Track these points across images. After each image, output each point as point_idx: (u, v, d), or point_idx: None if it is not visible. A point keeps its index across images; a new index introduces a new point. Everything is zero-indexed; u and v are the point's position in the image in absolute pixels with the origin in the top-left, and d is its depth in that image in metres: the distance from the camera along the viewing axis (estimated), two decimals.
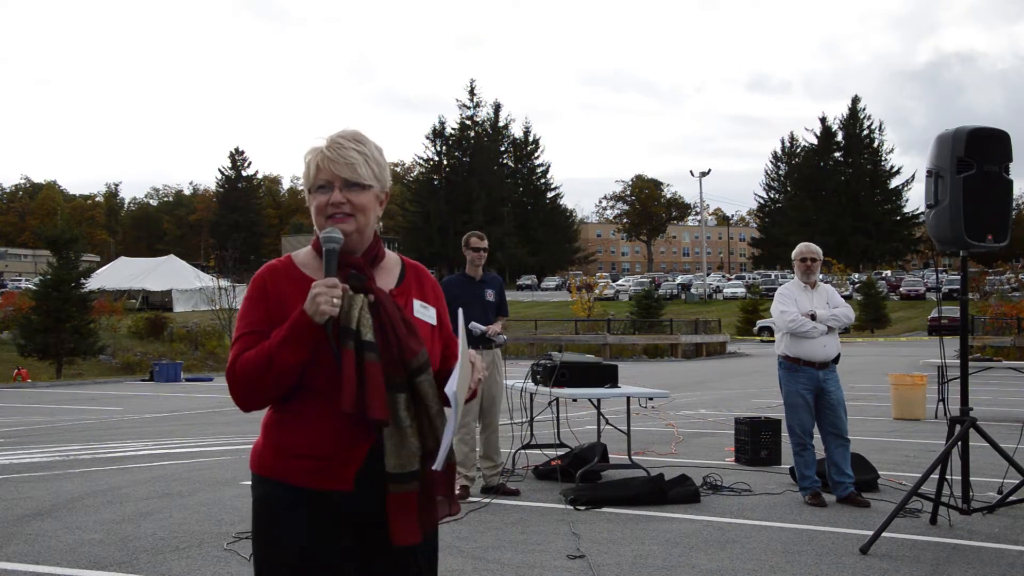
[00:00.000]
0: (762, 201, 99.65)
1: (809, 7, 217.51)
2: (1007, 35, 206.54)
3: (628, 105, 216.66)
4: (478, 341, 7.23)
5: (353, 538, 2.33)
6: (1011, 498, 6.25)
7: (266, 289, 2.33)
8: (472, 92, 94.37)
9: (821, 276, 7.44)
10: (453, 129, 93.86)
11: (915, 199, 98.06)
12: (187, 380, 25.07)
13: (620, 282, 79.68)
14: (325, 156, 2.35)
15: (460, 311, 2.36)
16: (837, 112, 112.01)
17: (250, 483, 2.42)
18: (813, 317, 6.98)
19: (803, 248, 7.32)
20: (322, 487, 2.27)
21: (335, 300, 2.20)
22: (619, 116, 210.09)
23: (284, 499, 2.30)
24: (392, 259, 2.50)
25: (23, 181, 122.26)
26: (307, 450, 2.28)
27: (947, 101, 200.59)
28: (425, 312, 2.43)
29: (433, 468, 2.26)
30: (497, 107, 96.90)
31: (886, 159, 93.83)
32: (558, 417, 8.97)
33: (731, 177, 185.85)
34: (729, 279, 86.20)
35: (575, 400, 9.24)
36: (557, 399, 8.64)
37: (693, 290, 73.53)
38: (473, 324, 7.21)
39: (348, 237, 2.33)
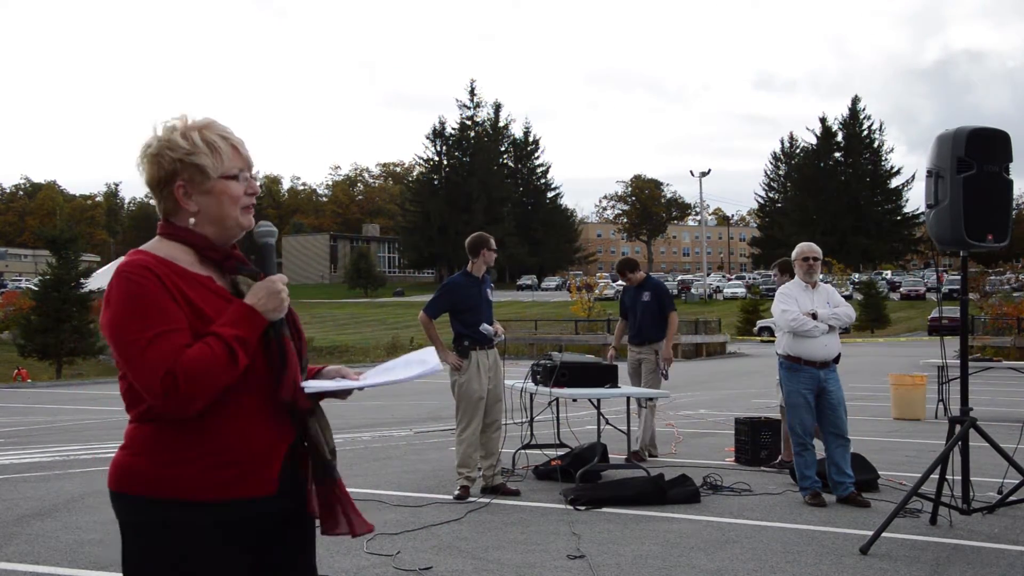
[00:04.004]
0: (762, 201, 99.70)
1: (817, 5, 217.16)
2: (1016, 32, 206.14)
3: (631, 104, 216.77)
4: (485, 341, 7.26)
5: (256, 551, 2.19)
6: (1011, 498, 6.25)
7: (164, 284, 2.06)
8: (472, 92, 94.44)
9: (821, 276, 7.45)
10: (453, 129, 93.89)
11: (915, 199, 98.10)
12: None
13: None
14: (239, 140, 2.21)
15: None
16: (843, 111, 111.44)
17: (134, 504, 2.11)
18: (814, 316, 6.99)
19: (804, 248, 7.32)
20: (241, 495, 2.09)
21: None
22: (621, 115, 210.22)
23: (191, 521, 2.06)
24: None
25: (23, 181, 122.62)
26: (229, 455, 2.08)
27: (955, 99, 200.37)
28: None
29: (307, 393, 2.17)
30: (497, 107, 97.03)
31: (886, 159, 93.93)
32: (558, 417, 8.96)
33: (731, 177, 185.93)
34: (729, 279, 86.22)
35: (575, 400, 9.24)
36: (557, 399, 8.63)
37: (693, 290, 73.49)
38: (485, 326, 7.25)
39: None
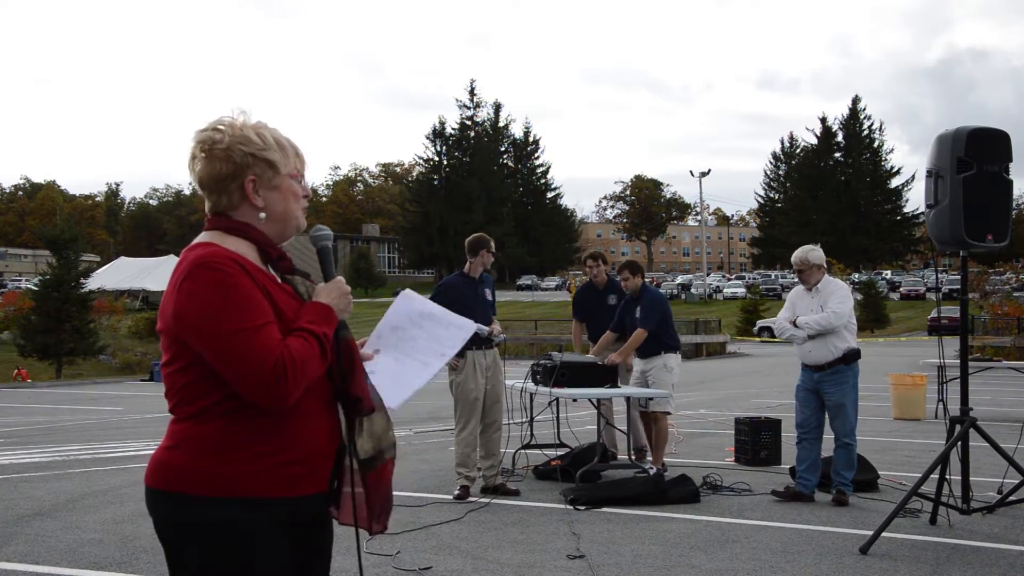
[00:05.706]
0: (762, 201, 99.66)
1: (819, 4, 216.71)
2: (1020, 31, 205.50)
3: (631, 104, 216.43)
4: (481, 341, 7.24)
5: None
6: (1011, 498, 6.25)
7: (252, 277, 2.06)
8: (472, 92, 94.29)
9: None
10: (453, 129, 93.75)
11: (915, 199, 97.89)
12: None
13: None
14: (294, 142, 2.27)
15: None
16: (844, 110, 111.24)
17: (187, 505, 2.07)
18: (795, 324, 7.12)
19: (792, 258, 7.33)
20: (301, 493, 2.10)
21: None
22: (621, 115, 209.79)
23: (257, 519, 2.05)
24: None
25: (23, 181, 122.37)
26: (295, 453, 2.08)
27: (959, 98, 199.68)
28: None
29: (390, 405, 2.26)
30: (497, 107, 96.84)
31: (886, 159, 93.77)
32: (558, 417, 8.97)
33: (731, 177, 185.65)
34: (729, 279, 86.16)
35: (575, 400, 9.24)
36: (557, 399, 8.64)
37: (693, 290, 73.47)
38: (479, 327, 7.22)
39: None
